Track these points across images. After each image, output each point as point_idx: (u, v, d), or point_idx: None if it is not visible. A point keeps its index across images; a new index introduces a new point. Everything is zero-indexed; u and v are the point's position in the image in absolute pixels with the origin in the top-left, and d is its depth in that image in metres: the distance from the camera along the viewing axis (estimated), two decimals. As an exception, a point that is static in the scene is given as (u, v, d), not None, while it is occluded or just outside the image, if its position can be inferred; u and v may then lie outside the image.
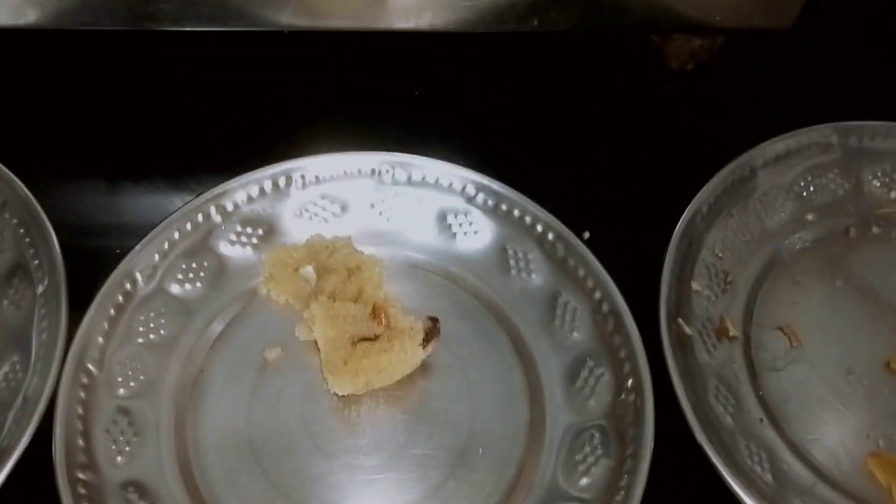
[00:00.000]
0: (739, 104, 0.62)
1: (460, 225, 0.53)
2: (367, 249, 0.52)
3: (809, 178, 0.56)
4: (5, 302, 0.49)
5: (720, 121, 0.62)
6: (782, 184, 0.55)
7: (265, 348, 0.49)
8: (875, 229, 0.56)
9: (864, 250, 0.55)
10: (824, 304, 0.53)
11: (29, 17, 0.49)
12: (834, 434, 0.48)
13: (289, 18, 0.49)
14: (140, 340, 0.48)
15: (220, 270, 0.51)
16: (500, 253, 0.52)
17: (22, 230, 0.49)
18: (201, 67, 0.60)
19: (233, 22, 0.49)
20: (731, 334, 0.50)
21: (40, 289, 0.48)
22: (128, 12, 0.48)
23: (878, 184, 0.57)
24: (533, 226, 0.52)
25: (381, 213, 0.53)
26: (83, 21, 0.49)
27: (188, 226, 0.51)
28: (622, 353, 0.48)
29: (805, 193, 0.56)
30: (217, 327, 0.50)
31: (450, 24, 0.50)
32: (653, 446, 0.44)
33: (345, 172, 0.53)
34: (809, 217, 0.56)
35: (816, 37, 0.58)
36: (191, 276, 0.50)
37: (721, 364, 0.50)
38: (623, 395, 0.47)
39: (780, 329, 0.52)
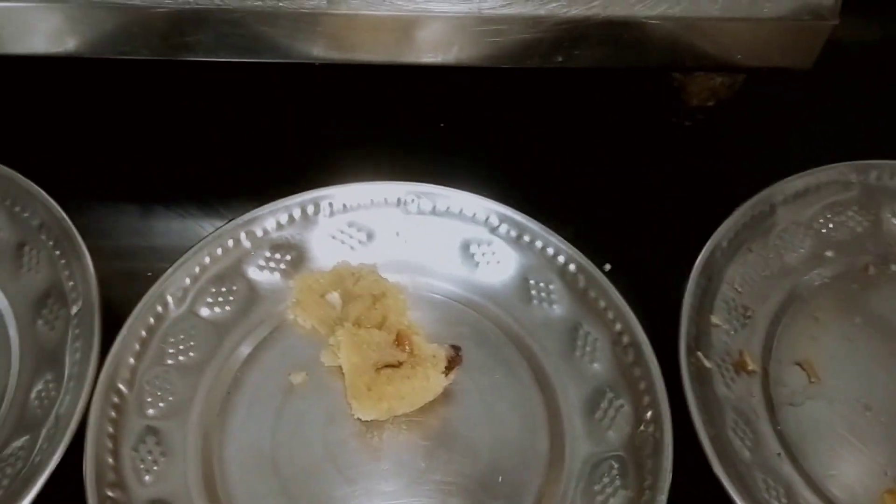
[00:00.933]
0: (759, 141, 0.63)
1: (483, 255, 0.54)
2: (392, 277, 0.53)
3: (829, 216, 0.56)
4: (40, 322, 0.50)
5: (740, 157, 0.63)
6: (802, 220, 0.56)
7: (291, 372, 0.50)
8: (894, 267, 0.56)
9: (883, 287, 0.55)
10: (843, 341, 0.53)
11: (68, 45, 0.51)
12: (851, 470, 0.48)
13: (320, 51, 0.50)
14: (170, 361, 0.49)
15: (249, 295, 0.52)
16: (522, 283, 0.53)
17: (58, 252, 0.51)
18: (234, 96, 0.62)
19: (266, 54, 0.50)
20: (749, 368, 0.51)
21: (74, 310, 0.49)
22: (164, 43, 0.49)
23: (898, 221, 0.57)
24: (555, 257, 0.53)
25: (406, 242, 0.54)
26: (121, 50, 0.50)
27: (219, 251, 0.52)
28: (642, 385, 0.48)
29: (824, 230, 0.56)
30: (245, 350, 0.51)
31: (475, 59, 0.51)
32: (671, 478, 0.45)
33: (371, 201, 0.54)
34: (828, 254, 0.56)
35: (836, 76, 0.59)
36: (220, 299, 0.52)
37: (739, 398, 0.50)
38: (642, 427, 0.47)
39: (799, 364, 0.52)
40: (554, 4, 0.47)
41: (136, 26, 0.48)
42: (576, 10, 0.48)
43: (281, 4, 0.47)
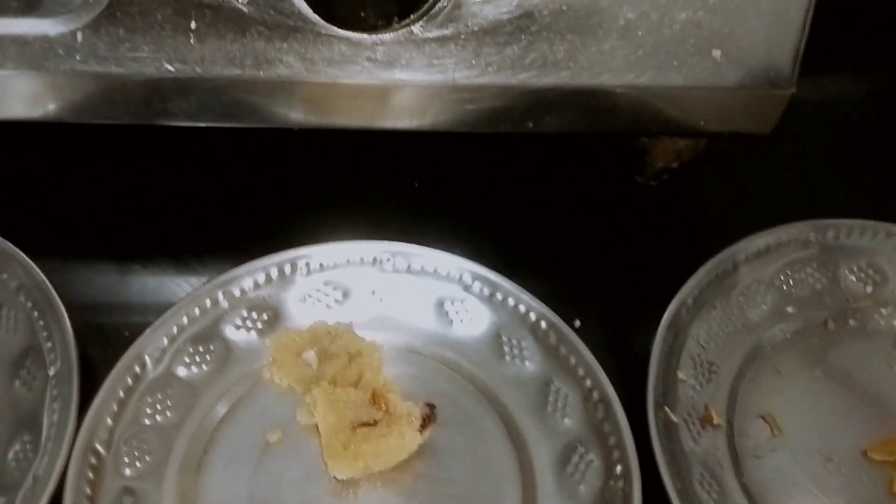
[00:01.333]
0: (722, 201, 0.65)
1: (457, 312, 0.55)
2: (368, 335, 0.54)
3: (789, 273, 0.58)
4: (17, 383, 0.50)
5: (704, 217, 0.65)
6: (763, 278, 0.58)
7: (267, 431, 0.50)
8: (852, 322, 0.58)
9: (842, 342, 0.57)
10: (804, 394, 0.55)
11: (49, 110, 0.51)
12: (814, 521, 0.50)
13: (298, 117, 0.51)
14: (147, 422, 0.50)
15: (226, 354, 0.53)
16: (495, 340, 0.54)
17: (36, 313, 0.51)
18: (211, 158, 0.63)
19: (246, 119, 0.51)
20: (715, 422, 0.52)
21: (52, 371, 0.50)
22: (146, 109, 0.50)
23: (854, 278, 0.59)
24: (527, 314, 0.54)
25: (381, 300, 0.56)
26: (103, 116, 0.51)
27: (197, 311, 0.53)
28: (611, 441, 0.50)
29: (785, 287, 0.58)
30: (221, 409, 0.51)
31: (449, 124, 0.52)
32: (640, 532, 0.46)
33: (348, 261, 0.56)
34: (789, 309, 0.58)
35: (795, 138, 0.61)
36: (197, 359, 0.52)
37: (705, 451, 0.51)
38: (612, 482, 0.48)
39: (762, 417, 0.53)
40: (525, 75, 0.49)
41: (118, 93, 0.49)
42: (546, 80, 0.50)
43: (260, 73, 0.48)
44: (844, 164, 0.68)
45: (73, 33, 0.46)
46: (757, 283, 0.57)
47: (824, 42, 0.54)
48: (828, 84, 0.72)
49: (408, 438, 0.49)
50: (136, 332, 0.51)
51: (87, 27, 0.46)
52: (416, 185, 0.63)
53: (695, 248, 0.57)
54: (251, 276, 0.54)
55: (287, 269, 0.55)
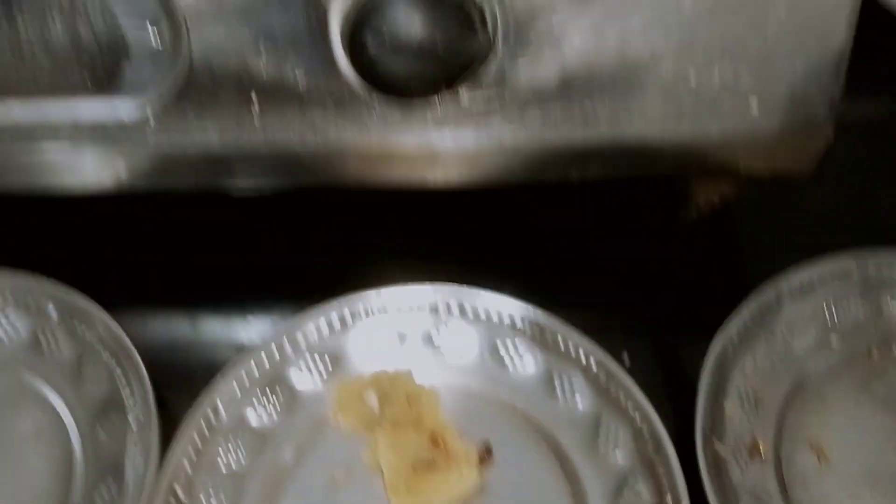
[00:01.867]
0: (764, 235, 0.67)
1: (510, 353, 0.57)
2: (425, 377, 0.57)
3: (832, 303, 0.59)
4: (101, 432, 0.54)
5: (746, 251, 0.66)
6: (807, 310, 0.59)
7: (333, 472, 0.53)
8: (896, 350, 0.59)
9: (888, 370, 0.58)
10: (851, 423, 0.56)
11: (119, 181, 0.54)
12: (863, 550, 0.51)
13: (355, 177, 0.54)
14: (222, 468, 0.53)
15: (292, 399, 0.56)
16: (547, 379, 0.57)
17: (115, 363, 0.54)
18: (270, 210, 0.66)
19: (305, 180, 0.54)
20: (762, 453, 0.54)
21: (132, 418, 0.53)
22: (212, 175, 0.53)
23: (897, 307, 0.60)
24: (577, 353, 0.56)
25: (437, 342, 0.58)
26: (170, 184, 0.54)
27: (264, 358, 0.56)
28: (662, 476, 0.51)
29: (829, 317, 0.59)
30: (289, 453, 0.54)
31: (497, 178, 0.54)
32: (692, 566, 0.48)
33: (404, 304, 0.58)
34: (833, 339, 0.59)
35: (833, 174, 0.62)
36: (266, 405, 0.55)
37: (754, 482, 0.53)
38: (663, 516, 0.51)
39: (809, 447, 0.55)
40: (568, 132, 0.51)
41: (185, 164, 0.52)
42: (588, 135, 0.52)
43: (318, 140, 0.50)
44: (885, 199, 0.69)
45: (145, 113, 0.49)
46: (801, 315, 0.59)
47: (866, 66, 0.54)
48: (870, 108, 0.73)
49: (466, 477, 0.52)
50: (208, 376, 0.55)
51: (159, 108, 0.49)
52: (465, 227, 0.66)
53: (738, 280, 0.59)
54: (314, 323, 0.57)
55: (347, 314, 0.57)
